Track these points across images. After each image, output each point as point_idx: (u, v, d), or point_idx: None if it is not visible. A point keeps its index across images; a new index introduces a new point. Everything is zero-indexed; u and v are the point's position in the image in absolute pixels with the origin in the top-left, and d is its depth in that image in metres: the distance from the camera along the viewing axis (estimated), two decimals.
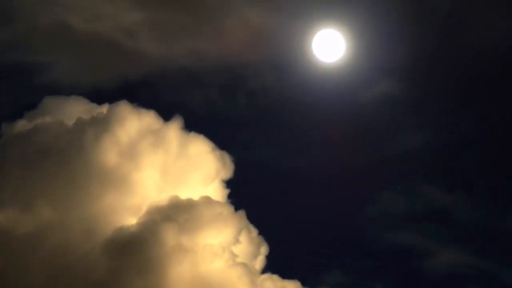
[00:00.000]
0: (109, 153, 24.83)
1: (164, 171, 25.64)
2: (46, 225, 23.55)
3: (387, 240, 33.57)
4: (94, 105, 26.09)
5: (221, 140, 26.58)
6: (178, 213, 23.56)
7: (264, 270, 25.73)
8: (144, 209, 24.01)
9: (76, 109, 25.77)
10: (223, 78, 33.76)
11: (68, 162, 24.02)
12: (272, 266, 25.82)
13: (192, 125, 26.35)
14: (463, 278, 32.85)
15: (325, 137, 33.12)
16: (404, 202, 34.43)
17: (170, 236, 23.08)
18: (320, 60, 31.50)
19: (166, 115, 26.39)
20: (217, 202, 24.79)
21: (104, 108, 25.57)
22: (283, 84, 33.79)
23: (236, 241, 24.16)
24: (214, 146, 26.14)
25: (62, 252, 23.04)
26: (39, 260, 23.16)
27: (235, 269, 23.30)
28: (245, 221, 25.45)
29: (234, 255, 23.86)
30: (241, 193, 27.16)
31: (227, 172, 26.26)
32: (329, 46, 31.01)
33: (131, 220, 23.72)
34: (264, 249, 26.25)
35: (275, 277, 24.88)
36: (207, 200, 24.48)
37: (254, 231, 26.22)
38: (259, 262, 25.87)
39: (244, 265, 23.76)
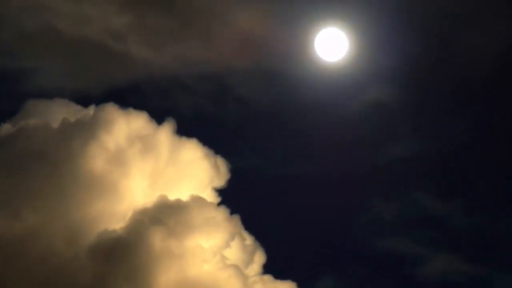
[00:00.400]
0: (97, 156, 24.26)
1: (154, 175, 25.09)
2: (31, 230, 22.96)
3: (380, 246, 33.52)
4: (79, 107, 25.58)
5: (213, 146, 26.20)
6: (167, 216, 23.01)
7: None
8: (132, 213, 23.43)
9: (61, 112, 25.21)
10: (213, 84, 33.46)
11: (54, 165, 23.44)
12: (264, 271, 25.45)
13: (182, 131, 26.00)
14: (457, 285, 32.88)
15: (321, 141, 32.89)
16: (397, 209, 34.35)
17: (158, 240, 22.53)
18: (322, 59, 31.12)
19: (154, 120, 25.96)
20: (210, 206, 24.18)
21: (90, 110, 25.06)
22: (281, 87, 33.46)
23: (228, 245, 23.61)
24: (207, 151, 25.68)
25: (47, 258, 22.48)
26: (24, 266, 22.58)
27: (226, 271, 22.77)
28: (239, 226, 25.01)
29: (225, 258, 23.32)
30: (234, 199, 26.70)
31: (221, 178, 25.76)
32: (332, 45, 30.65)
33: (118, 225, 23.14)
34: (258, 256, 25.76)
35: (267, 278, 24.39)
36: (199, 203, 23.93)
37: (248, 237, 25.78)
38: (253, 269, 25.32)
39: (235, 267, 23.20)
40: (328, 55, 30.87)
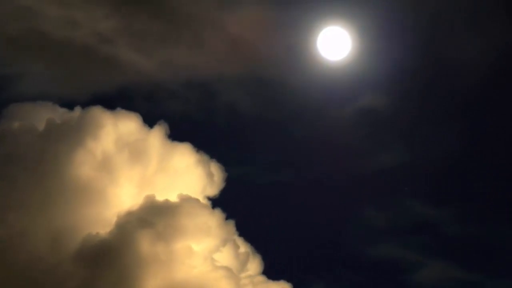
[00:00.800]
0: (83, 161, 23.58)
1: (144, 180, 24.43)
2: (15, 236, 22.31)
3: (373, 254, 33.37)
4: (65, 110, 24.92)
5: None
6: (157, 219, 22.36)
7: None
8: (119, 216, 22.78)
9: (46, 115, 24.51)
10: (203, 90, 33.02)
11: (38, 169, 22.82)
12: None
13: (171, 136, 25.42)
14: None
15: (312, 149, 32.60)
16: (390, 217, 34.15)
17: (146, 244, 21.90)
18: (325, 58, 30.60)
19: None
20: (203, 209, 23.53)
21: (76, 113, 24.41)
22: (271, 94, 33.03)
23: (218, 249, 23.02)
24: (200, 157, 25.03)
25: (32, 264, 21.89)
26: (8, 272, 22.01)
27: (217, 272, 22.19)
28: (233, 232, 24.45)
29: (215, 261, 22.74)
30: (224, 206, 26.16)
31: (215, 185, 25.15)
32: (335, 44, 30.14)
33: (105, 230, 22.50)
34: (251, 262, 25.16)
35: (258, 279, 23.77)
36: (191, 206, 23.30)
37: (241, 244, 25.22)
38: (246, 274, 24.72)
39: (226, 269, 22.58)
40: (330, 54, 30.47)
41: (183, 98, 32.74)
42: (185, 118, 32.31)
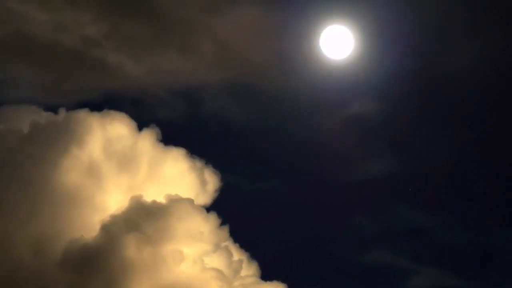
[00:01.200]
0: (69, 165, 23.14)
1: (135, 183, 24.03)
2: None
3: (365, 261, 33.09)
4: (50, 114, 24.50)
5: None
6: (146, 222, 21.92)
7: None
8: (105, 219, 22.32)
9: (30, 118, 24.07)
10: (189, 96, 32.67)
11: (22, 172, 22.36)
12: None
13: (163, 141, 25.09)
14: None
15: (304, 156, 32.36)
16: (382, 224, 33.94)
17: (136, 247, 21.47)
18: (328, 58, 30.04)
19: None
20: (195, 212, 23.11)
21: (61, 116, 24.00)
22: (259, 101, 32.77)
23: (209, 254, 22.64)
24: (193, 163, 24.67)
25: (17, 269, 21.45)
26: None
27: (207, 274, 21.80)
28: (226, 237, 24.11)
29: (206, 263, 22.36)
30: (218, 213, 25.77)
31: (208, 191, 24.77)
32: (336, 44, 29.58)
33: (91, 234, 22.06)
34: (245, 266, 24.81)
35: (250, 280, 23.34)
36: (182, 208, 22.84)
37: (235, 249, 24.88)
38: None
39: (216, 270, 22.16)
40: (332, 53, 30.04)
41: (171, 104, 32.40)
42: (174, 124, 31.95)
